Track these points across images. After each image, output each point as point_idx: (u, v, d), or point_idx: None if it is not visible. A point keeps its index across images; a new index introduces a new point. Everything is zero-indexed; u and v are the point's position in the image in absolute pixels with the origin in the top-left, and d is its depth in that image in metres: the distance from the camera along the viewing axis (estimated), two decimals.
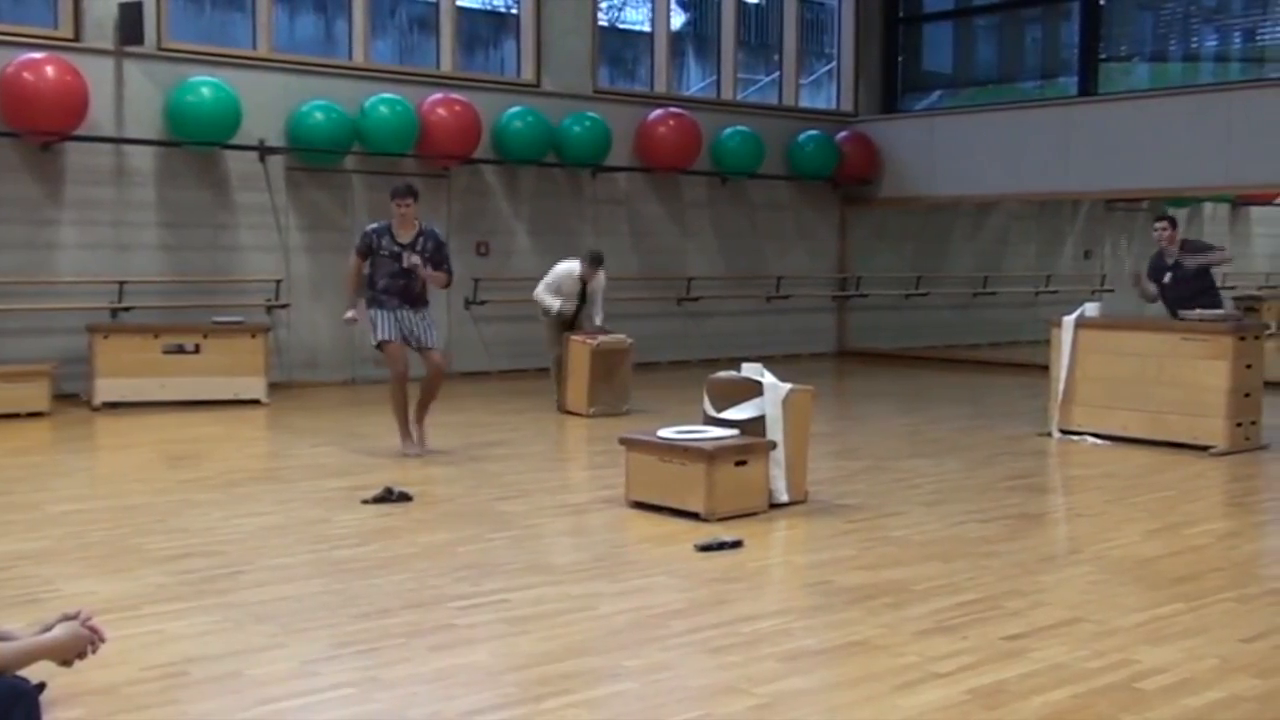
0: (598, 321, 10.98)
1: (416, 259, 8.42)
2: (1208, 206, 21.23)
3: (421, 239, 8.52)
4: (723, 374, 7.24)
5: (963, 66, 18.76)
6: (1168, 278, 10.08)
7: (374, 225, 8.67)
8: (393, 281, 8.47)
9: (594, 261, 10.89)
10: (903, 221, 17.75)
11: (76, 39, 11.44)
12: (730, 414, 6.95)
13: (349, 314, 8.75)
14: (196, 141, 11.80)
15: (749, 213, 16.16)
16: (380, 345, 8.55)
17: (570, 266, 10.98)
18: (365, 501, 6.93)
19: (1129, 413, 9.31)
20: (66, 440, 9.54)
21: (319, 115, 12.32)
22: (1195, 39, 16.46)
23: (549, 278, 11.04)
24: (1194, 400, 8.99)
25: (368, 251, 8.53)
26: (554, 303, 10.91)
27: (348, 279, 8.83)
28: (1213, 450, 8.84)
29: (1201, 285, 10.04)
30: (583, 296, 10.97)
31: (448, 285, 8.98)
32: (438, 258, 8.58)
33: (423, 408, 8.73)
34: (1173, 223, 10.26)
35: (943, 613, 4.92)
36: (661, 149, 14.78)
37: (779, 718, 3.84)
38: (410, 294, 8.52)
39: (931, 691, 4.04)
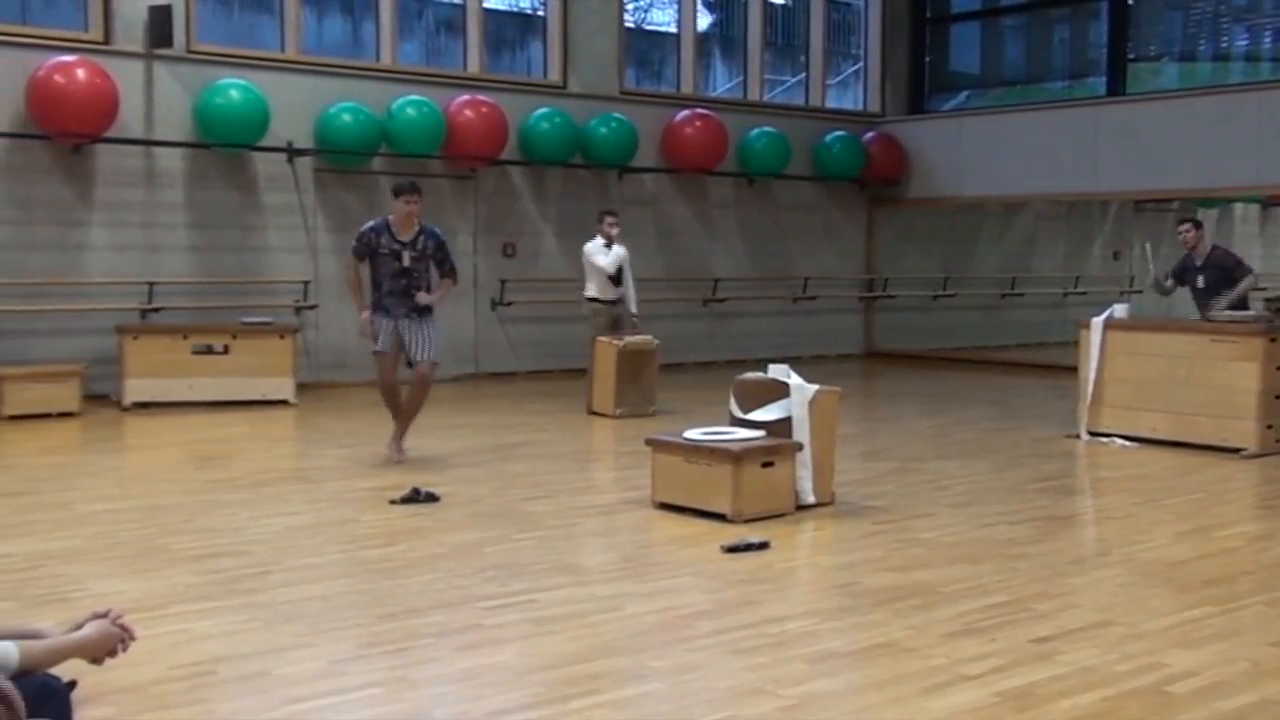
0: (633, 309, 11.02)
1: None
2: (1238, 207, 21.05)
3: (422, 238, 8.30)
4: (749, 375, 7.24)
5: (990, 67, 18.69)
6: (1200, 280, 10.00)
7: (370, 224, 8.41)
8: (395, 283, 8.23)
9: (605, 213, 10.95)
10: (930, 222, 17.68)
11: (106, 42, 11.53)
12: (757, 415, 6.94)
13: (365, 315, 8.35)
14: (225, 143, 11.86)
15: (775, 214, 16.13)
16: (375, 354, 8.41)
17: (592, 244, 10.98)
18: (393, 502, 6.95)
19: (1158, 414, 9.25)
20: (96, 440, 9.61)
21: (347, 117, 12.36)
22: (1225, 38, 16.35)
23: (587, 267, 11.03)
24: (1224, 402, 8.93)
25: (366, 253, 8.30)
26: (603, 286, 10.89)
27: (349, 284, 8.63)
28: (1244, 453, 8.77)
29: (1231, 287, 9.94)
30: (618, 279, 10.94)
31: (455, 283, 8.70)
32: (439, 256, 8.40)
33: (406, 418, 8.48)
34: (1196, 224, 10.17)
35: (971, 615, 4.90)
36: (688, 150, 14.77)
37: None
38: (413, 296, 8.27)
39: (960, 694, 4.03)
